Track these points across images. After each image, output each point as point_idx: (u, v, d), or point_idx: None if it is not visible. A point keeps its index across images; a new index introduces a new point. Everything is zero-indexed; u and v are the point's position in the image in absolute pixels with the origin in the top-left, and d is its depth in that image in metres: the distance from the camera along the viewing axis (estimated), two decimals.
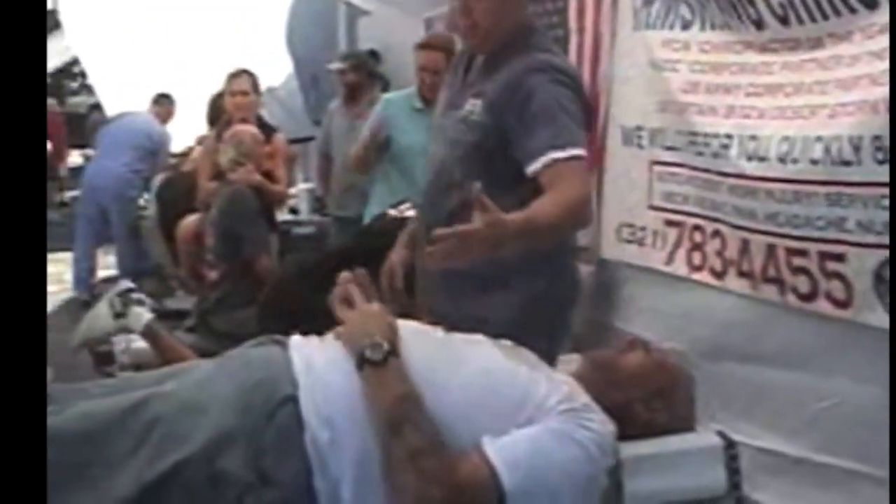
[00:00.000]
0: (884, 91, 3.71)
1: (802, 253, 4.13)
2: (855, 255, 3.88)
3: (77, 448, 2.72)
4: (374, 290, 3.33)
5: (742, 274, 4.54)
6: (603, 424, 2.83)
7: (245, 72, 8.41)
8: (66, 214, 15.33)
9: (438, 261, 3.26)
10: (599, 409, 2.88)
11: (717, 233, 4.70)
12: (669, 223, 5.09)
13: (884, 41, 3.76)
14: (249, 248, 7.08)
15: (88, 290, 11.11)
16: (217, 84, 8.92)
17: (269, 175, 7.81)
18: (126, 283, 5.21)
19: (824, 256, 4.02)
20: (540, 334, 3.62)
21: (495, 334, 3.18)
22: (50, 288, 11.47)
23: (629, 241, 5.46)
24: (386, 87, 8.00)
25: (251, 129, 7.90)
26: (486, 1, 3.93)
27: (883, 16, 3.79)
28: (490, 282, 3.89)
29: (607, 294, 5.73)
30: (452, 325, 3.24)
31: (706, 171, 4.69)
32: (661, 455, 3.09)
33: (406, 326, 3.12)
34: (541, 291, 3.89)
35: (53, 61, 20.92)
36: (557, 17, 6.37)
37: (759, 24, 4.38)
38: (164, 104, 12.01)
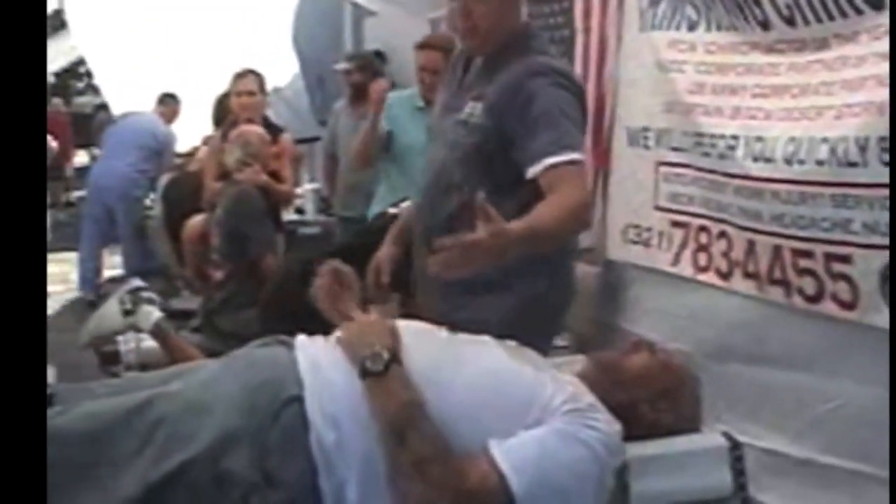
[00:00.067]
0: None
1: (808, 254, 4.12)
2: (861, 256, 3.87)
3: (82, 448, 2.72)
4: (361, 286, 3.35)
5: (748, 275, 4.53)
6: (609, 424, 2.84)
7: (251, 72, 8.40)
8: (72, 214, 15.38)
9: (441, 270, 3.26)
10: (605, 409, 2.88)
11: (722, 234, 4.70)
12: (675, 224, 5.08)
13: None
14: (255, 248, 7.07)
15: (94, 291, 11.13)
16: (223, 84, 8.91)
17: (275, 175, 7.80)
18: (136, 282, 5.23)
19: (830, 258, 4.02)
20: (535, 335, 3.62)
21: (491, 335, 3.18)
22: (55, 288, 11.51)
23: (635, 242, 5.46)
24: (392, 88, 7.99)
25: (257, 129, 7.89)
26: (485, 3, 3.93)
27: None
28: (487, 284, 3.88)
29: (613, 295, 5.73)
30: (449, 326, 3.24)
31: (712, 171, 4.68)
32: (666, 456, 3.09)
33: (409, 327, 3.13)
34: (538, 293, 3.89)
35: (59, 61, 20.98)
36: (563, 18, 6.37)
37: (765, 25, 4.37)
38: (169, 104, 12.02)
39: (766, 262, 4.38)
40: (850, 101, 3.90)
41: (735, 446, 3.19)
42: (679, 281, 5.07)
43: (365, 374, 2.84)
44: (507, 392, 2.89)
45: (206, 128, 9.83)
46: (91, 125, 18.88)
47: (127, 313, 4.99)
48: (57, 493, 2.65)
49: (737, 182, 4.47)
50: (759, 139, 4.31)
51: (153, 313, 5.00)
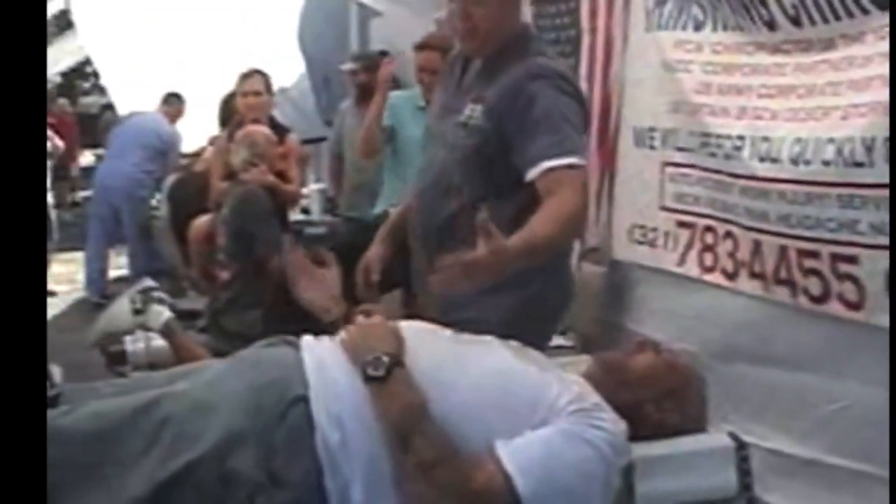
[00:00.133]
0: None
1: (814, 254, 4.12)
2: (867, 256, 3.87)
3: (88, 447, 2.73)
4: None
5: (754, 275, 4.53)
6: (614, 424, 2.84)
7: (257, 72, 8.40)
8: (77, 214, 15.38)
9: (442, 287, 3.28)
10: (610, 409, 2.88)
11: (728, 234, 4.70)
12: (681, 224, 5.08)
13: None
14: (261, 248, 7.07)
15: (100, 292, 11.11)
16: (229, 84, 8.91)
17: (281, 175, 7.81)
18: (147, 282, 5.26)
19: (836, 258, 4.02)
20: (534, 334, 3.62)
21: (490, 335, 3.19)
22: (62, 288, 11.54)
23: (641, 243, 5.46)
24: (397, 87, 8.01)
25: (264, 129, 7.89)
26: (485, 5, 3.91)
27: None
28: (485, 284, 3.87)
29: (619, 295, 5.73)
30: (448, 326, 3.25)
31: (718, 172, 4.68)
32: (672, 456, 3.09)
33: (411, 327, 3.13)
34: (536, 293, 3.88)
35: (65, 61, 20.98)
36: (569, 18, 6.37)
37: (771, 25, 4.37)
38: (173, 104, 12.01)
39: (772, 262, 4.38)
40: (856, 101, 3.90)
41: (741, 446, 3.18)
42: (685, 281, 5.08)
43: (367, 378, 2.84)
44: (512, 392, 2.89)
45: (213, 128, 9.84)
46: (97, 125, 18.89)
47: (137, 312, 5.02)
48: (63, 492, 2.65)
49: (743, 182, 4.47)
50: (766, 139, 4.32)
51: (163, 313, 5.03)
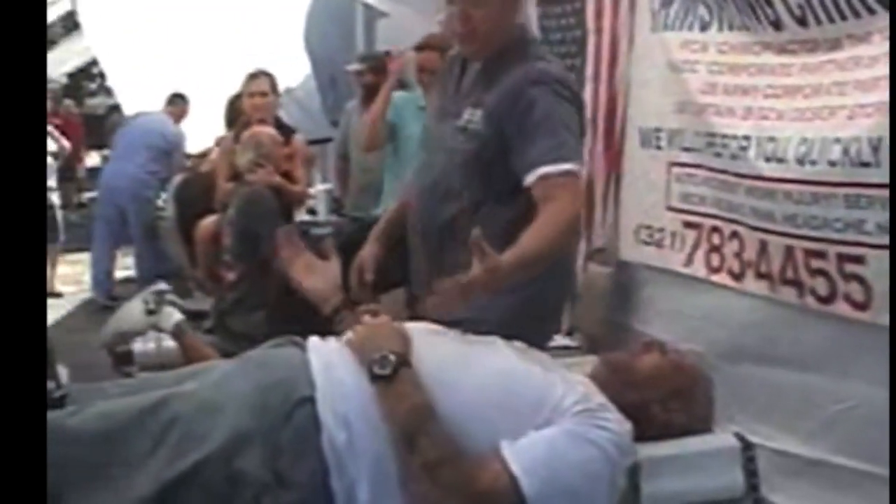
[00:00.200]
0: None
1: (821, 255, 4.12)
2: (874, 256, 3.87)
3: (96, 448, 2.73)
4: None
5: (760, 275, 4.54)
6: (620, 424, 2.83)
7: (263, 73, 8.40)
8: (84, 215, 15.39)
9: (440, 310, 3.29)
10: (616, 410, 2.88)
11: (735, 234, 4.70)
12: (688, 225, 5.08)
13: None
14: (267, 248, 7.06)
15: (106, 293, 11.12)
16: (235, 85, 8.91)
17: (287, 176, 7.80)
18: (161, 285, 5.31)
19: (843, 258, 4.02)
20: (533, 334, 3.61)
21: (490, 335, 3.19)
22: (68, 289, 11.56)
23: (647, 243, 5.46)
24: (402, 88, 8.01)
25: (269, 130, 7.89)
26: (483, 7, 3.86)
27: None
28: None
29: (625, 295, 5.73)
30: (448, 326, 3.25)
31: (724, 172, 4.69)
32: (678, 456, 3.09)
33: (417, 328, 3.13)
34: (536, 292, 3.85)
35: (72, 62, 21.02)
36: (575, 19, 6.37)
37: (777, 25, 4.37)
38: (177, 104, 11.99)
39: (778, 262, 4.38)
40: (862, 101, 3.90)
41: (747, 447, 3.18)
42: (692, 281, 5.08)
43: (374, 377, 2.84)
44: (516, 392, 2.89)
45: (219, 129, 9.83)
46: (103, 126, 18.90)
47: (150, 313, 5.06)
48: (70, 492, 2.66)
49: (749, 182, 4.47)
50: (772, 139, 4.32)
51: (174, 314, 5.07)
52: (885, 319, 3.86)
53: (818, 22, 4.15)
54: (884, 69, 3.84)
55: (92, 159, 20.38)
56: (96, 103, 26.31)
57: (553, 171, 3.64)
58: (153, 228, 11.22)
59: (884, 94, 3.80)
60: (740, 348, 4.68)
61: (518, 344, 3.18)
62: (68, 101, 22.00)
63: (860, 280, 3.96)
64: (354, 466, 2.74)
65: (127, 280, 11.75)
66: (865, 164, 3.84)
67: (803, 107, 4.23)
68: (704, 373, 3.33)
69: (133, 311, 5.08)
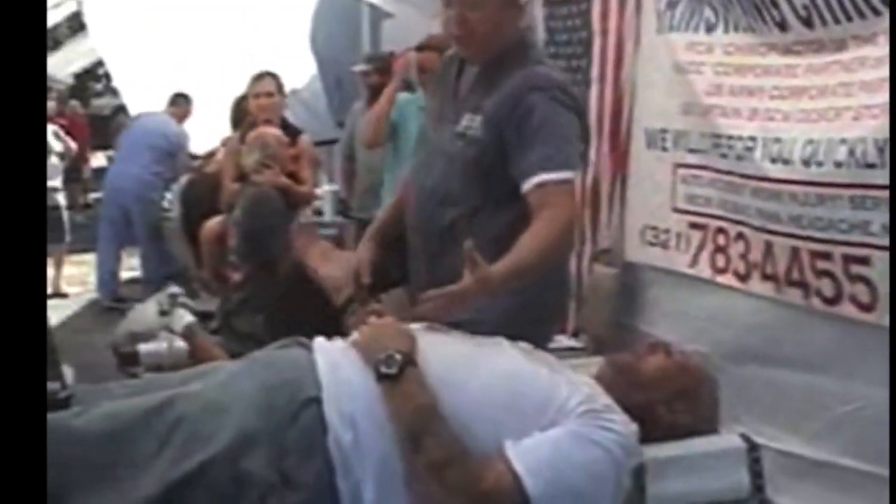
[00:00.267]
0: None
1: (826, 256, 4.12)
2: (880, 258, 3.87)
3: (102, 448, 2.73)
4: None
5: (766, 277, 4.54)
6: (625, 425, 2.84)
7: (269, 73, 8.40)
8: (89, 216, 15.42)
9: (430, 316, 3.29)
10: (621, 410, 2.88)
11: (740, 235, 4.70)
12: (693, 226, 5.08)
13: None
14: (273, 249, 7.07)
15: (112, 294, 11.12)
16: (241, 86, 8.91)
17: (293, 177, 7.81)
18: (175, 288, 5.39)
19: (849, 259, 4.02)
20: (531, 336, 3.60)
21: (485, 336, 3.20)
22: (74, 289, 11.57)
23: (653, 244, 5.46)
24: (408, 89, 8.02)
25: (275, 131, 7.90)
26: (481, 11, 3.83)
27: None
28: None
29: (631, 297, 5.73)
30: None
31: (730, 173, 4.69)
32: (684, 457, 3.09)
33: (423, 328, 3.14)
34: (532, 296, 3.83)
35: (78, 63, 21.07)
36: (581, 20, 6.37)
37: (782, 26, 4.37)
38: (180, 104, 11.97)
39: (784, 263, 4.38)
40: (868, 102, 3.90)
41: (752, 448, 3.18)
42: (697, 282, 5.08)
43: (380, 377, 2.85)
44: (521, 393, 2.89)
45: (225, 129, 9.84)
46: (109, 127, 18.94)
47: (162, 314, 5.15)
48: (76, 493, 2.66)
49: (754, 184, 4.47)
50: (777, 141, 4.32)
51: (185, 316, 5.15)
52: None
53: (824, 23, 4.15)
54: (889, 70, 3.84)
55: (98, 160, 20.42)
56: (102, 104, 26.36)
57: (549, 178, 3.62)
58: (158, 229, 11.23)
59: (889, 95, 3.80)
60: (746, 349, 4.68)
61: (524, 345, 3.18)
62: (74, 102, 22.04)
63: (866, 281, 3.96)
64: (360, 466, 2.74)
65: (132, 281, 11.77)
66: (871, 166, 3.84)
67: (809, 108, 4.23)
68: (710, 374, 3.33)
69: (146, 312, 5.17)
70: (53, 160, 11.85)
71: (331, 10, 12.11)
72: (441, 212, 3.92)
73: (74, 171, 16.45)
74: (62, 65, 21.64)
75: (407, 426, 2.76)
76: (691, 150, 5.03)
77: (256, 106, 8.22)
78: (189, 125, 12.02)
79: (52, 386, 3.00)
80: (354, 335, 3.12)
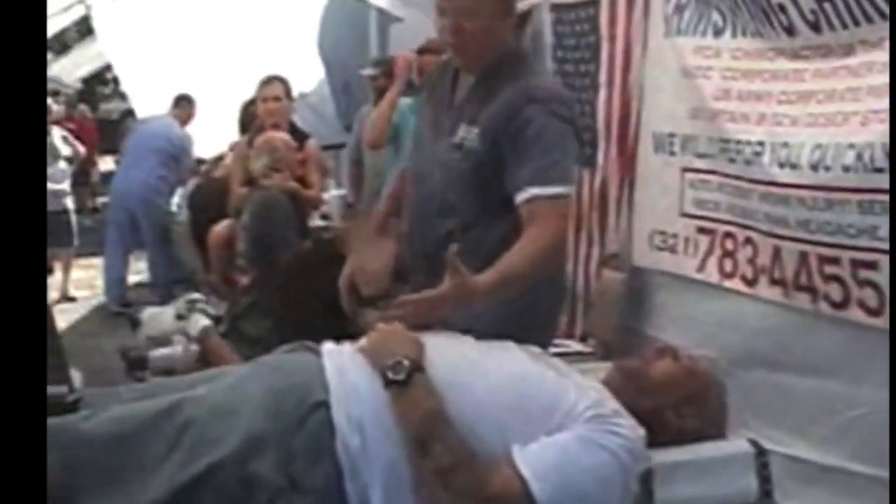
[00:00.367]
0: None
1: (835, 261, 4.12)
2: (888, 262, 3.86)
3: (111, 451, 2.74)
4: None
5: (774, 281, 4.53)
6: (632, 430, 2.84)
7: (277, 78, 8.41)
8: (98, 220, 15.42)
9: (409, 319, 3.28)
10: (629, 415, 2.88)
11: (748, 240, 4.70)
12: (701, 230, 5.08)
13: None
14: (281, 252, 7.08)
15: (119, 299, 11.10)
16: (249, 90, 8.93)
17: (301, 181, 7.83)
18: (195, 294, 5.49)
19: (857, 264, 4.01)
20: (528, 342, 3.58)
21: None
22: (81, 293, 11.58)
23: (661, 249, 5.46)
24: (414, 92, 8.02)
25: (283, 135, 7.91)
26: (477, 19, 3.79)
27: None
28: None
29: (639, 301, 5.73)
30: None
31: (738, 178, 4.69)
32: (692, 462, 3.09)
33: (429, 333, 3.14)
34: (523, 306, 3.80)
35: (86, 67, 21.07)
36: (589, 25, 6.36)
37: (790, 31, 4.37)
38: (184, 106, 11.95)
39: (792, 268, 4.37)
40: (876, 106, 3.90)
41: (761, 453, 3.18)
42: (705, 287, 5.08)
43: (388, 383, 2.85)
44: (528, 395, 2.90)
45: (233, 134, 9.85)
46: (118, 131, 18.93)
47: (179, 318, 5.23)
48: (84, 496, 2.67)
49: (763, 188, 4.46)
50: (785, 145, 4.31)
51: (201, 320, 5.22)
52: None
53: (832, 28, 4.15)
54: None
55: (106, 164, 20.43)
56: (110, 108, 26.37)
57: (541, 193, 3.59)
58: (165, 233, 11.24)
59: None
60: (754, 354, 4.68)
61: (533, 348, 3.18)
62: (83, 106, 22.06)
63: (874, 286, 3.96)
64: (368, 470, 2.75)
65: (140, 285, 11.78)
66: (879, 170, 3.83)
67: (817, 112, 4.23)
68: (718, 378, 3.33)
69: (164, 317, 5.25)
70: (62, 164, 11.85)
71: (339, 14, 12.10)
72: (438, 222, 3.89)
73: (83, 174, 16.44)
74: (70, 69, 21.67)
75: (414, 431, 2.77)
76: (699, 155, 5.03)
77: (264, 110, 8.23)
78: (197, 129, 12.02)
79: (60, 389, 3.02)
80: (362, 340, 3.12)
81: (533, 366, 3.04)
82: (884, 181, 3.81)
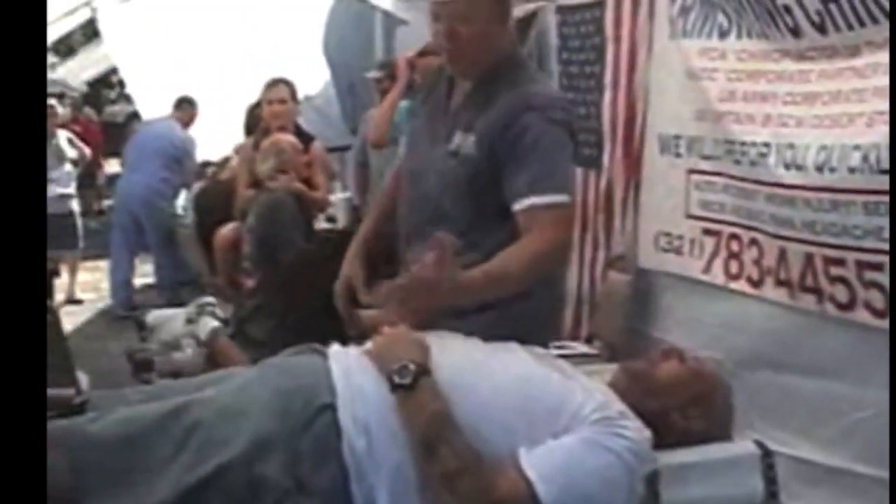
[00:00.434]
0: None
1: (840, 262, 4.11)
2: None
3: (118, 453, 2.74)
4: None
5: (780, 283, 4.53)
6: (638, 432, 2.84)
7: (282, 80, 8.42)
8: (103, 222, 15.43)
9: (387, 305, 3.28)
10: (635, 417, 2.88)
11: (754, 242, 4.70)
12: (707, 232, 5.08)
13: None
14: (287, 255, 7.09)
15: (125, 303, 11.10)
16: (255, 93, 8.93)
17: (307, 183, 7.83)
18: (208, 298, 5.53)
19: (862, 265, 4.01)
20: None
21: None
22: (87, 296, 11.59)
23: (666, 250, 5.46)
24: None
25: (290, 137, 7.92)
26: (471, 25, 3.74)
27: None
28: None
29: (645, 303, 5.73)
30: None
31: (743, 179, 4.69)
32: (698, 464, 3.09)
33: (434, 335, 3.14)
34: (524, 311, 3.78)
35: (92, 70, 21.09)
36: (594, 26, 6.37)
37: (795, 32, 4.36)
38: (185, 108, 11.95)
39: (797, 269, 4.37)
40: (881, 108, 3.89)
41: (767, 454, 3.18)
42: (710, 289, 5.08)
43: (394, 387, 2.85)
44: (533, 397, 2.90)
45: (238, 136, 9.86)
46: (123, 134, 18.96)
47: (189, 322, 5.28)
48: (91, 498, 2.67)
49: (768, 190, 4.46)
50: (791, 146, 4.31)
51: (210, 323, 5.27)
52: None
53: (837, 29, 4.14)
54: None
55: (111, 167, 20.43)
56: (116, 111, 26.42)
57: (540, 202, 3.57)
58: (170, 235, 11.26)
59: None
60: (759, 355, 4.68)
61: (538, 350, 3.19)
62: (88, 109, 22.10)
63: (880, 287, 3.96)
64: (374, 473, 2.75)
65: (146, 287, 11.79)
66: (885, 172, 3.83)
67: (822, 114, 4.23)
68: (723, 380, 3.33)
69: (175, 322, 5.31)
70: (67, 167, 11.86)
71: (344, 17, 12.12)
72: (431, 228, 3.83)
73: (88, 177, 16.45)
74: (76, 72, 21.70)
75: (421, 435, 2.77)
76: (705, 157, 5.03)
77: (270, 113, 8.24)
78: (202, 131, 12.04)
79: (67, 392, 3.02)
80: (368, 343, 3.13)
81: (538, 367, 3.04)
82: (889, 182, 3.81)
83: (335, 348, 3.13)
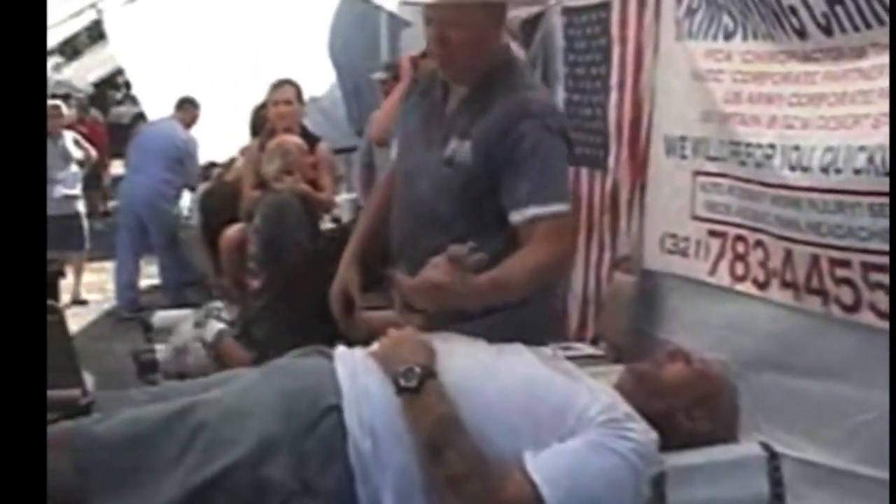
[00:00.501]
0: None
1: (846, 263, 4.11)
2: None
3: (124, 454, 2.75)
4: None
5: (785, 284, 4.53)
6: (645, 434, 2.84)
7: (288, 82, 8.41)
8: (109, 223, 15.46)
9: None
10: (641, 419, 2.88)
11: (759, 243, 4.70)
12: (712, 233, 5.08)
13: None
14: (292, 256, 7.08)
15: (130, 303, 11.11)
16: (260, 94, 8.93)
17: (313, 184, 7.83)
18: (216, 303, 5.59)
19: (868, 267, 4.01)
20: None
21: None
22: (93, 297, 11.60)
23: (672, 252, 5.46)
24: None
25: (295, 138, 7.91)
26: (462, 28, 3.69)
27: None
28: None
29: (650, 304, 5.73)
30: None
31: (749, 181, 4.68)
32: (704, 465, 3.09)
33: (439, 337, 3.14)
34: (523, 317, 3.75)
35: (97, 72, 21.12)
36: (600, 27, 6.37)
37: (801, 34, 4.36)
38: (187, 109, 11.95)
39: (803, 271, 4.37)
40: (887, 109, 3.89)
41: (772, 456, 3.17)
42: (716, 290, 5.08)
43: (400, 389, 2.85)
44: (540, 397, 2.90)
45: (244, 137, 9.86)
46: (129, 135, 18.99)
47: (197, 325, 5.35)
48: (97, 498, 2.68)
49: (774, 191, 4.46)
50: (797, 148, 4.31)
51: (216, 326, 5.32)
52: None
53: (843, 30, 4.14)
54: None
55: (117, 168, 20.42)
56: (122, 112, 26.42)
57: (541, 212, 3.55)
58: (174, 236, 11.27)
59: None
60: (765, 357, 4.67)
61: (545, 351, 3.19)
62: (94, 110, 22.13)
63: (885, 289, 3.95)
64: (379, 474, 2.76)
65: (151, 288, 11.80)
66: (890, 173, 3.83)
67: (828, 115, 4.22)
68: (729, 381, 3.33)
69: (185, 325, 5.37)
70: (73, 168, 11.87)
71: (349, 19, 12.12)
72: (427, 236, 3.78)
73: (94, 178, 16.49)
74: (82, 73, 21.74)
75: (426, 438, 2.77)
76: (710, 158, 5.03)
77: (276, 114, 8.23)
78: (208, 132, 12.03)
79: (73, 393, 3.03)
80: (374, 346, 3.13)
81: (543, 368, 3.04)
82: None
83: (341, 350, 3.13)
